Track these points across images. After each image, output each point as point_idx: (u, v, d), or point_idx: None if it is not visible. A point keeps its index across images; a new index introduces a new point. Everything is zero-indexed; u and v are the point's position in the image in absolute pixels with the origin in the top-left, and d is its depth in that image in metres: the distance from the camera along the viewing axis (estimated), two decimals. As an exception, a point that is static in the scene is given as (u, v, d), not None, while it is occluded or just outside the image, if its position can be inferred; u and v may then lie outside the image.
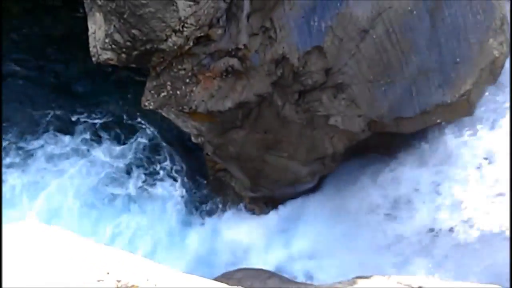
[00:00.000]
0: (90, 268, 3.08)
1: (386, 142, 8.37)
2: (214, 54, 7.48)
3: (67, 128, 9.96)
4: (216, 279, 7.23)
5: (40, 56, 9.80)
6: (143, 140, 10.01)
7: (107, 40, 6.75)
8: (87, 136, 9.86)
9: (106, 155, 9.85)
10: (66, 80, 9.97)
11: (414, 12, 7.30)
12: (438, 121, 7.74)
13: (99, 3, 6.48)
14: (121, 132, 10.08)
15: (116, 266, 3.19)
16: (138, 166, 9.89)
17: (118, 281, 2.94)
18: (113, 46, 6.81)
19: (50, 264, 3.24)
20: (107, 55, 6.91)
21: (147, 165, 9.91)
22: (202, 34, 7.19)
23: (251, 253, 9.24)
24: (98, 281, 2.90)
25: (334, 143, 7.86)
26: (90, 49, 7.02)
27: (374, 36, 7.23)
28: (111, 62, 7.06)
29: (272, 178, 8.48)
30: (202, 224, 9.71)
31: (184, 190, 9.80)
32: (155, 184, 9.80)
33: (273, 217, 9.30)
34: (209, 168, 9.75)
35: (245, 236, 9.21)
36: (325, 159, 8.15)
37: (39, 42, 9.82)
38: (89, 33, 6.99)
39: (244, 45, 7.32)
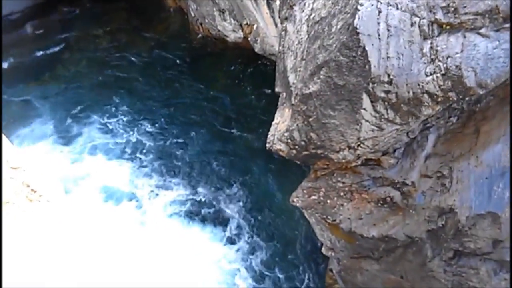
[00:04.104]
0: None
1: None
2: (378, 179, 7.35)
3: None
4: None
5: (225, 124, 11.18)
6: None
7: (286, 134, 7.21)
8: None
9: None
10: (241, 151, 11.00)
11: None
12: None
13: (293, 102, 7.03)
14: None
15: None
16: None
17: None
18: (289, 141, 7.22)
19: None
20: (280, 146, 7.35)
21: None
22: (373, 157, 7.19)
23: None
24: None
25: (478, 324, 6.74)
26: (268, 136, 7.56)
27: None
28: (281, 153, 7.46)
29: (391, 328, 7.58)
30: None
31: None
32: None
33: None
34: (326, 285, 9.23)
35: None
36: (461, 336, 6.99)
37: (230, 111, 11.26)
38: (273, 122, 7.59)
39: (413, 182, 7.04)
